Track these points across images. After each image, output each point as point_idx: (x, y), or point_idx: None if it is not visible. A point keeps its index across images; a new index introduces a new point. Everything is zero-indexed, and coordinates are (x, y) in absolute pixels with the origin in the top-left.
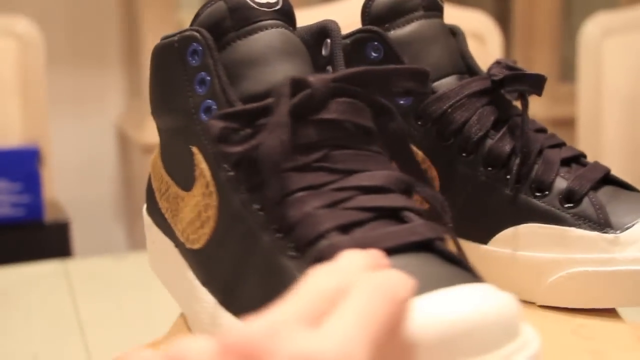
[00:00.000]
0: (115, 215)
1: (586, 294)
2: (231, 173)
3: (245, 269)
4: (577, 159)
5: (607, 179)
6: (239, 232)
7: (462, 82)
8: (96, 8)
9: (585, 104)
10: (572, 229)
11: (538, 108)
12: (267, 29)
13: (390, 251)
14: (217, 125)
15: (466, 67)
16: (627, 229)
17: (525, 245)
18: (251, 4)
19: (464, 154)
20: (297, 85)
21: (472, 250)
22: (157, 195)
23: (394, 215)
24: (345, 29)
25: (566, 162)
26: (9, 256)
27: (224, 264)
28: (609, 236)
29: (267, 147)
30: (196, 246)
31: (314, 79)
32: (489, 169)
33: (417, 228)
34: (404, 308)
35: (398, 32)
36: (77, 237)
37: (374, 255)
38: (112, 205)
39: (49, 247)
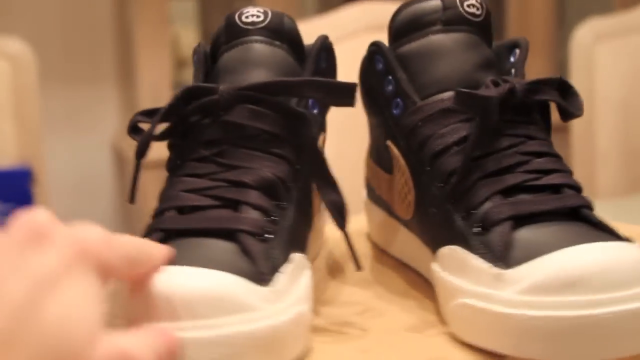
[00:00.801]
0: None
1: (472, 329)
2: None
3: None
4: (541, 188)
5: (581, 214)
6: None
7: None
8: (89, 26)
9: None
10: (473, 256)
11: None
12: (244, 44)
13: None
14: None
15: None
16: (515, 266)
17: (445, 266)
18: (238, 23)
19: (427, 168)
20: (201, 91)
21: (426, 264)
22: (371, 182)
23: (230, 206)
24: (341, 39)
25: (520, 188)
26: None
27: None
28: (495, 271)
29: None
30: (407, 217)
31: (223, 87)
32: (440, 184)
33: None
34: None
35: (409, 46)
36: None
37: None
38: (108, 223)
39: None
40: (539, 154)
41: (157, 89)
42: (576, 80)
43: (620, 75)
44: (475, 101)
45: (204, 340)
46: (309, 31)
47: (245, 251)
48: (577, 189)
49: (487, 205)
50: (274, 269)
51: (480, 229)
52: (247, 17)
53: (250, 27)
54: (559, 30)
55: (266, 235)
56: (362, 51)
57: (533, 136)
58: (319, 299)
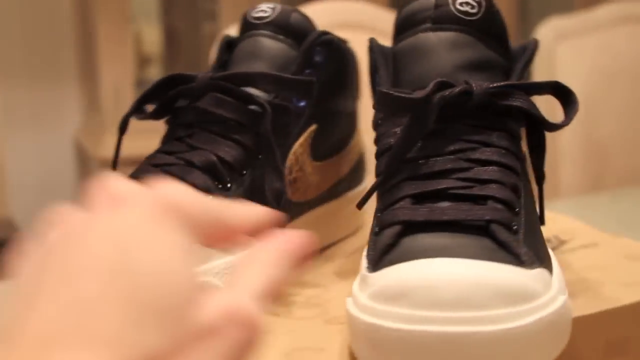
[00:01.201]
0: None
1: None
2: None
3: None
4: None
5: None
6: None
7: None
8: (50, 22)
9: (540, 107)
10: (364, 256)
11: None
12: (249, 37)
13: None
14: None
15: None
16: (379, 270)
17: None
18: (249, 19)
19: (375, 164)
20: (184, 79)
21: None
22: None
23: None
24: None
25: (444, 195)
26: None
27: None
28: (364, 272)
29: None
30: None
31: (200, 75)
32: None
33: None
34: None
35: (401, 44)
36: None
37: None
38: None
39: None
40: (486, 162)
41: (119, 86)
42: (538, 79)
43: (581, 74)
44: (395, 102)
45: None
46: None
47: None
48: (507, 203)
49: (396, 206)
50: None
51: (377, 229)
52: (256, 12)
53: (257, 21)
54: (520, 29)
55: None
56: None
57: (489, 143)
58: None
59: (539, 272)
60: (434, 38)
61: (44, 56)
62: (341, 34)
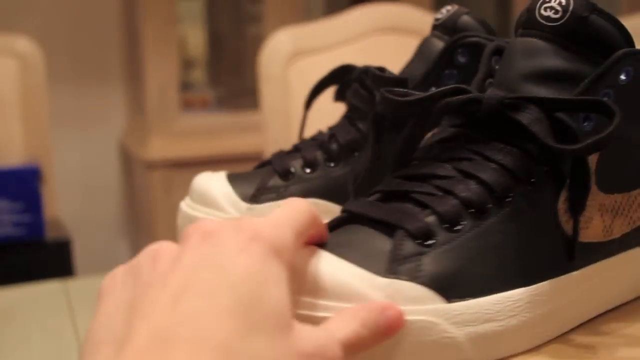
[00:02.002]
0: (119, 233)
1: None
2: None
3: None
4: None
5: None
6: None
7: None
8: (96, 25)
9: None
10: None
11: None
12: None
13: None
14: None
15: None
16: None
17: None
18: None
19: None
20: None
21: None
22: None
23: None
24: (349, 41)
25: (404, 196)
26: (10, 276)
27: None
28: None
29: None
30: None
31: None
32: None
33: None
34: (318, 225)
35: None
36: (81, 255)
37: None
38: (115, 222)
39: (50, 266)
40: (469, 175)
41: (164, 88)
42: None
43: None
44: (391, 105)
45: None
46: (316, 34)
47: None
48: (444, 218)
49: (363, 198)
50: None
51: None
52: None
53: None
54: None
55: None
56: (369, 53)
57: (486, 156)
58: None
59: (391, 283)
60: (514, 44)
61: (90, 58)
62: (390, 38)
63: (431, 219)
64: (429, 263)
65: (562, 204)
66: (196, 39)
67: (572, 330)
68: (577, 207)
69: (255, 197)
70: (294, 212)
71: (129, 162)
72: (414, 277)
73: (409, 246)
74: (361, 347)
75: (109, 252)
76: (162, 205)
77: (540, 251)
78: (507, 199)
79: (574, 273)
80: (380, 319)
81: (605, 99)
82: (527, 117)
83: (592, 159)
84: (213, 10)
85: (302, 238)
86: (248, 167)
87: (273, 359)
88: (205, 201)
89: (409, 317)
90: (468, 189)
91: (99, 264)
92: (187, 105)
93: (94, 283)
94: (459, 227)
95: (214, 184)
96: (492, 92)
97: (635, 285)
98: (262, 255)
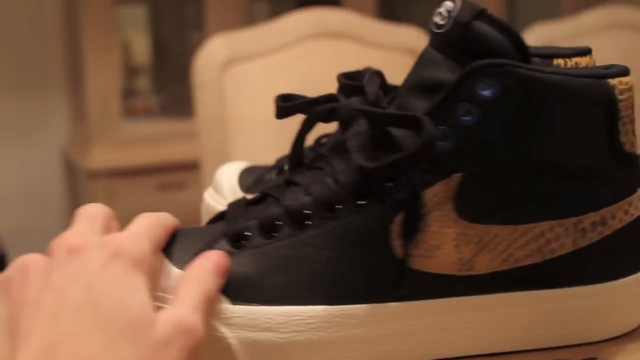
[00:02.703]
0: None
1: None
2: None
3: None
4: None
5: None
6: None
7: None
8: (36, 34)
9: None
10: None
11: None
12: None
13: None
14: None
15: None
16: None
17: None
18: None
19: None
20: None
21: None
22: None
23: None
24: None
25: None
26: None
27: None
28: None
29: None
30: None
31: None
32: None
33: None
34: (169, 230)
35: None
36: None
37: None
38: (58, 232)
39: None
40: (305, 186)
41: (106, 96)
42: None
43: None
44: (278, 109)
45: None
46: (252, 40)
47: None
48: (262, 223)
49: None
50: None
51: None
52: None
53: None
54: None
55: None
56: (305, 58)
57: (333, 168)
58: None
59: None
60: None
61: (30, 66)
62: (326, 44)
63: (252, 223)
64: (230, 264)
65: (396, 226)
66: (140, 46)
67: None
68: (407, 231)
69: (250, 189)
70: (150, 226)
71: (71, 172)
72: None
73: (222, 245)
74: (211, 298)
75: None
76: None
77: (366, 271)
78: (332, 214)
79: (402, 303)
80: (209, 268)
81: (421, 116)
82: (352, 130)
83: (452, 182)
84: (157, 16)
85: (158, 248)
86: (189, 174)
87: (140, 358)
88: (218, 190)
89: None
90: (295, 199)
91: None
92: (130, 112)
93: None
94: (274, 235)
95: (225, 173)
96: (353, 103)
97: (509, 338)
98: (124, 269)
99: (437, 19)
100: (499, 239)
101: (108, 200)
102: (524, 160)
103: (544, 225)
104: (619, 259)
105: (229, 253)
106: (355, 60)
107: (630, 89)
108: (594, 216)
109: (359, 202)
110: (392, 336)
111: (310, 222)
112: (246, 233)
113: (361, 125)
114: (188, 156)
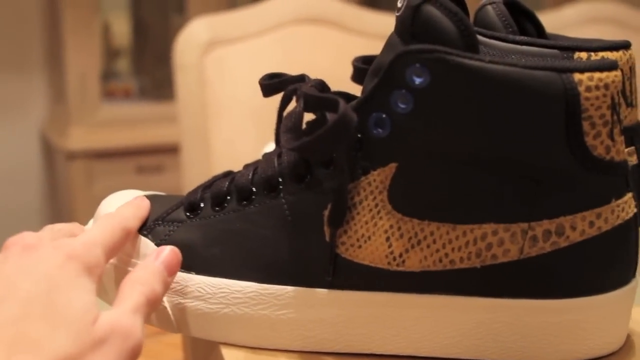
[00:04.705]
0: (40, 224)
1: None
2: None
3: None
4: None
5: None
6: None
7: None
8: (16, 12)
9: None
10: None
11: None
12: None
13: None
14: None
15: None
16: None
17: None
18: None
19: None
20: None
21: None
22: None
23: None
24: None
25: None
26: None
27: None
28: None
29: None
30: None
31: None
32: None
33: None
34: (129, 233)
35: None
36: None
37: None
38: (36, 214)
39: None
40: (256, 165)
41: (85, 77)
42: None
43: None
44: (261, 87)
45: None
46: (233, 23)
47: None
48: (213, 196)
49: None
50: None
51: None
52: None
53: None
54: None
55: None
56: (286, 43)
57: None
58: None
59: (138, 238)
60: None
61: (9, 46)
62: (307, 29)
63: (208, 194)
64: (179, 231)
65: (328, 212)
66: (121, 27)
67: (330, 354)
68: (334, 218)
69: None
70: (106, 232)
71: (50, 152)
72: (158, 239)
73: (179, 213)
74: (155, 299)
75: None
76: (82, 196)
77: (299, 255)
78: (273, 193)
79: (331, 291)
80: (158, 269)
81: (338, 98)
82: (291, 111)
83: (387, 171)
84: None
85: (114, 253)
86: (168, 157)
87: (77, 350)
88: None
89: (128, 268)
90: (244, 175)
91: None
92: (110, 94)
93: None
94: (223, 207)
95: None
96: (308, 84)
97: (447, 344)
98: (75, 271)
99: (398, 2)
100: (434, 237)
101: (86, 182)
102: (463, 154)
103: (487, 227)
104: (578, 276)
105: (179, 221)
106: (337, 46)
107: (605, 86)
108: (547, 224)
109: (297, 185)
110: (318, 322)
111: (254, 199)
112: (201, 204)
113: (299, 107)
114: (167, 139)
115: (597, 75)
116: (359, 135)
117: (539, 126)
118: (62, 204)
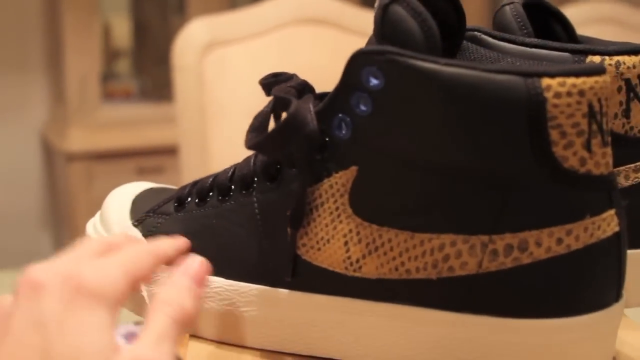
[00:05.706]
0: (40, 226)
1: None
2: None
3: None
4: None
5: None
6: None
7: None
8: (16, 13)
9: None
10: None
11: None
12: None
13: None
14: None
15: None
16: None
17: None
18: None
19: None
20: None
21: None
22: None
23: None
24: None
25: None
26: None
27: None
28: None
29: None
30: None
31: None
32: None
33: None
34: (160, 259)
35: None
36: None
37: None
38: (36, 216)
39: None
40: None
41: (85, 78)
42: None
43: None
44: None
45: None
46: (232, 24)
47: None
48: (198, 190)
49: None
50: None
51: None
52: None
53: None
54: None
55: None
56: (285, 44)
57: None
58: None
59: (128, 228)
60: None
61: (9, 47)
62: (307, 29)
63: (194, 189)
64: (165, 224)
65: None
66: (121, 28)
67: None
68: (294, 219)
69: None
70: (132, 258)
71: (49, 154)
72: (146, 230)
73: (169, 207)
74: (186, 317)
75: (29, 246)
76: (82, 198)
77: (264, 254)
78: (247, 191)
79: (292, 292)
80: (185, 285)
81: (291, 98)
82: (262, 111)
83: (349, 175)
84: (138, 0)
85: (137, 282)
86: (169, 158)
87: None
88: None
89: None
90: (225, 172)
91: (21, 257)
92: (110, 96)
93: (10, 277)
94: (205, 202)
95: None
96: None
97: (408, 355)
98: (83, 307)
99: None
100: (391, 244)
101: (86, 183)
102: (423, 160)
103: (445, 238)
104: (543, 296)
105: (167, 213)
106: (337, 46)
107: (580, 93)
108: (510, 238)
109: (268, 184)
110: (280, 322)
111: (231, 195)
112: (188, 199)
113: (268, 107)
114: (167, 140)
115: (570, 80)
116: (326, 139)
117: (499, 133)
118: (62, 205)
